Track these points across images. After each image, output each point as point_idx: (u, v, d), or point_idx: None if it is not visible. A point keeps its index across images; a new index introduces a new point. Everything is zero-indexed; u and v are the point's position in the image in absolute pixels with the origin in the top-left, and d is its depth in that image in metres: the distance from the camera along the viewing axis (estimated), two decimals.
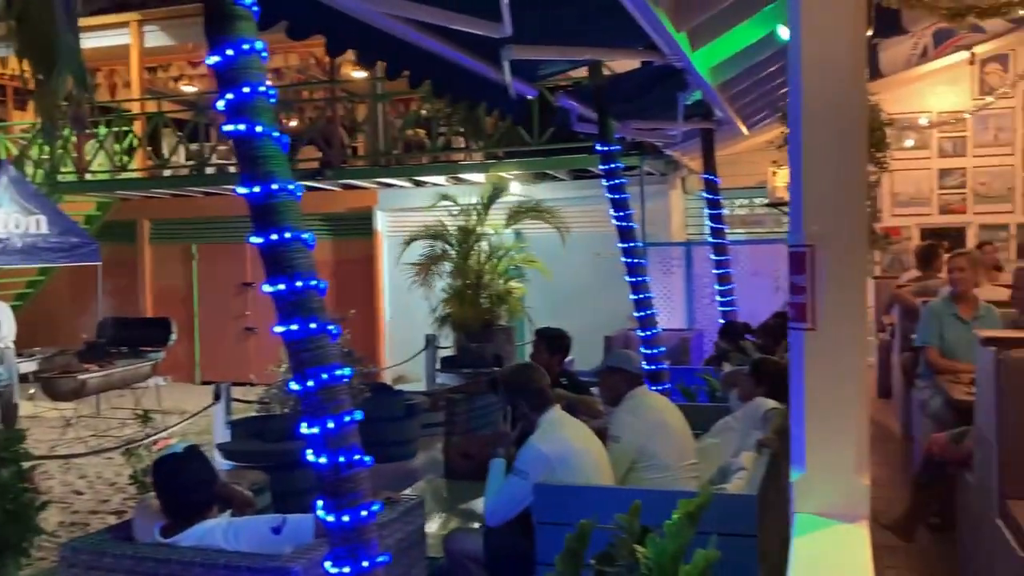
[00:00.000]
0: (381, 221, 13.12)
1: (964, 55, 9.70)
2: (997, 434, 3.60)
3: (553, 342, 5.67)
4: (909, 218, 11.10)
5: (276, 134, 2.43)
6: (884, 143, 3.56)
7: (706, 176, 8.56)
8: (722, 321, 7.84)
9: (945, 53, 9.03)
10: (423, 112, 12.44)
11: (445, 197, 10.98)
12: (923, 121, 10.79)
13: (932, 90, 10.81)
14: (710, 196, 8.55)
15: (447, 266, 10.69)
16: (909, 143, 11.06)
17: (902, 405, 7.11)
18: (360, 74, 13.28)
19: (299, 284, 2.34)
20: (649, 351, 6.14)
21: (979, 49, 9.77)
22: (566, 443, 3.69)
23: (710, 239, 8.65)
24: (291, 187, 2.41)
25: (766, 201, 11.06)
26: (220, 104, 2.42)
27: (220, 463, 5.52)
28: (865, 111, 2.03)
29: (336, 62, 12.93)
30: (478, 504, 4.74)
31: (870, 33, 3.63)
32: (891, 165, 11.02)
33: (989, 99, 10.29)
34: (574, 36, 5.23)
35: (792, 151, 2.02)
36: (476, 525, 4.41)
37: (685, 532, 2.44)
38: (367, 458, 2.35)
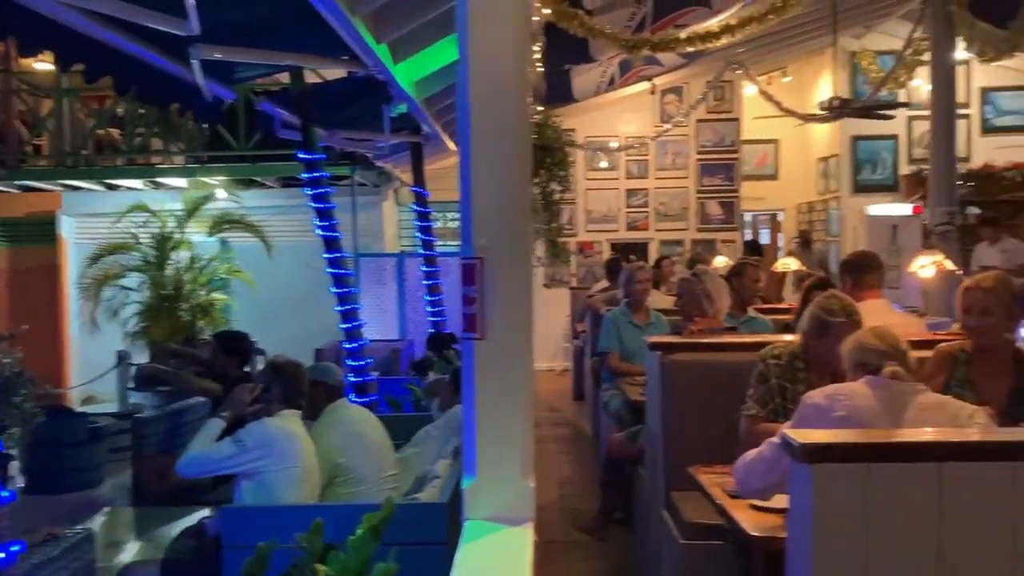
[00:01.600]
0: (67, 227, 11.94)
1: (646, 85, 10.66)
2: (663, 431, 3.95)
3: (229, 344, 5.52)
4: (601, 233, 12.05)
5: None
6: (567, 162, 3.82)
7: (416, 189, 8.70)
8: (432, 331, 8.00)
9: (630, 82, 9.86)
10: (119, 110, 11.49)
11: (140, 207, 10.22)
12: (613, 145, 11.74)
13: (620, 116, 11.85)
14: (420, 209, 8.70)
15: (140, 277, 9.95)
16: (603, 164, 12.00)
17: (592, 407, 7.64)
18: (45, 66, 12.01)
19: None
20: (355, 363, 6.10)
21: (659, 80, 10.79)
22: (295, 442, 3.73)
23: (421, 250, 8.82)
24: None
25: None
26: None
27: None
28: (528, 130, 2.13)
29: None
30: (165, 532, 4.44)
31: (538, 56, 3.87)
32: (585, 184, 11.94)
33: (667, 127, 11.42)
34: (272, 40, 5.07)
35: (462, 167, 2.08)
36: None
37: (367, 547, 2.43)
38: (6, 492, 2.09)
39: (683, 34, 5.78)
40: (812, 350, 3.31)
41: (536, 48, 3.91)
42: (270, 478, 3.63)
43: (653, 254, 11.50)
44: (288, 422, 3.81)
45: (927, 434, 2.27)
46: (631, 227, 12.05)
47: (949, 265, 5.73)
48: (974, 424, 2.40)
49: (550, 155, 3.86)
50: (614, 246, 11.86)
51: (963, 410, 2.46)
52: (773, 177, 13.66)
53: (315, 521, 2.56)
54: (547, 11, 4.01)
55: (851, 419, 2.39)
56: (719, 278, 5.17)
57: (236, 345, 5.56)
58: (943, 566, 1.96)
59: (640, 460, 4.55)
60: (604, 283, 9.09)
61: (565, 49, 6.30)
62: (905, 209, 11.64)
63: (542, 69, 3.95)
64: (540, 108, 4.04)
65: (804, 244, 11.34)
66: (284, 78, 7.98)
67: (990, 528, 1.98)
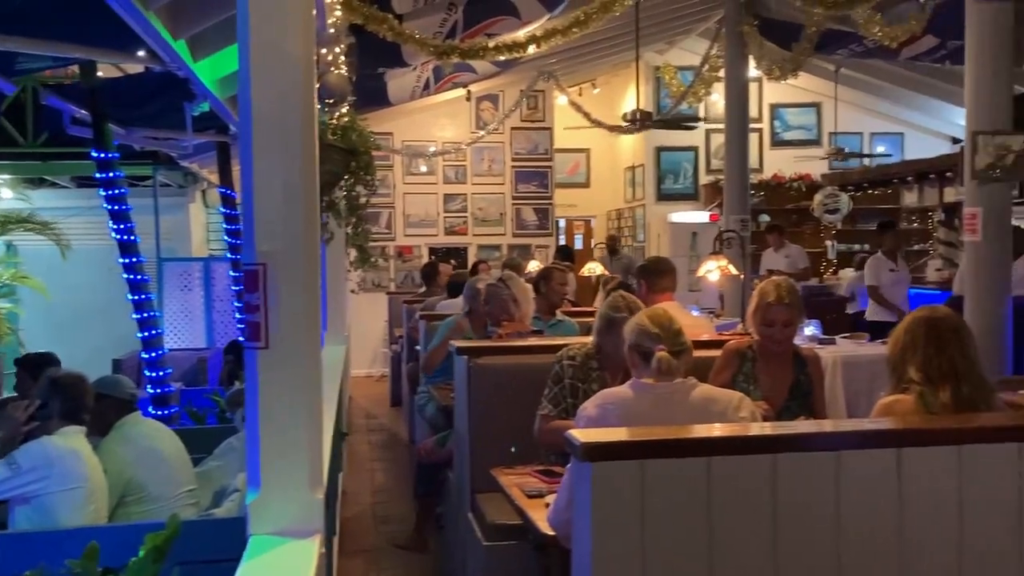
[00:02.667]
0: None
1: (462, 92, 10.75)
2: (469, 433, 3.99)
3: (36, 369, 5.08)
4: (419, 238, 12.05)
5: None
6: (372, 166, 3.77)
7: (223, 190, 8.37)
8: (236, 339, 7.70)
9: (445, 88, 9.90)
10: None
11: None
12: (431, 149, 11.78)
13: (436, 122, 11.91)
14: (228, 211, 8.38)
15: None
16: (423, 169, 12.01)
17: (408, 412, 7.62)
18: None
19: None
20: (153, 373, 5.81)
21: (474, 88, 10.92)
22: (78, 460, 3.49)
23: (229, 255, 8.49)
24: None
25: None
26: None
27: None
28: (315, 133, 2.09)
29: None
30: None
31: (340, 58, 3.83)
32: (404, 189, 11.92)
33: (482, 133, 11.58)
34: (57, 29, 4.73)
35: (243, 171, 2.02)
36: None
37: (149, 568, 2.31)
38: None
39: (491, 43, 5.89)
40: (603, 348, 3.45)
41: (339, 50, 3.86)
42: (49, 501, 3.38)
43: (472, 258, 11.62)
44: (70, 440, 3.55)
45: (697, 431, 2.42)
46: (449, 232, 12.12)
47: (733, 270, 6.18)
48: (738, 416, 2.58)
49: (356, 159, 3.81)
50: (433, 251, 11.90)
51: (730, 403, 2.64)
52: (585, 185, 14.15)
53: (89, 545, 2.40)
54: (339, 13, 3.96)
55: (624, 425, 2.51)
56: (524, 283, 5.28)
57: (42, 367, 5.12)
58: (712, 555, 2.09)
59: (451, 464, 4.58)
60: (423, 288, 9.09)
61: (377, 53, 6.25)
62: (704, 217, 12.36)
63: (344, 72, 3.90)
64: (345, 110, 3.98)
65: (611, 251, 11.78)
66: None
67: (753, 516, 2.12)
